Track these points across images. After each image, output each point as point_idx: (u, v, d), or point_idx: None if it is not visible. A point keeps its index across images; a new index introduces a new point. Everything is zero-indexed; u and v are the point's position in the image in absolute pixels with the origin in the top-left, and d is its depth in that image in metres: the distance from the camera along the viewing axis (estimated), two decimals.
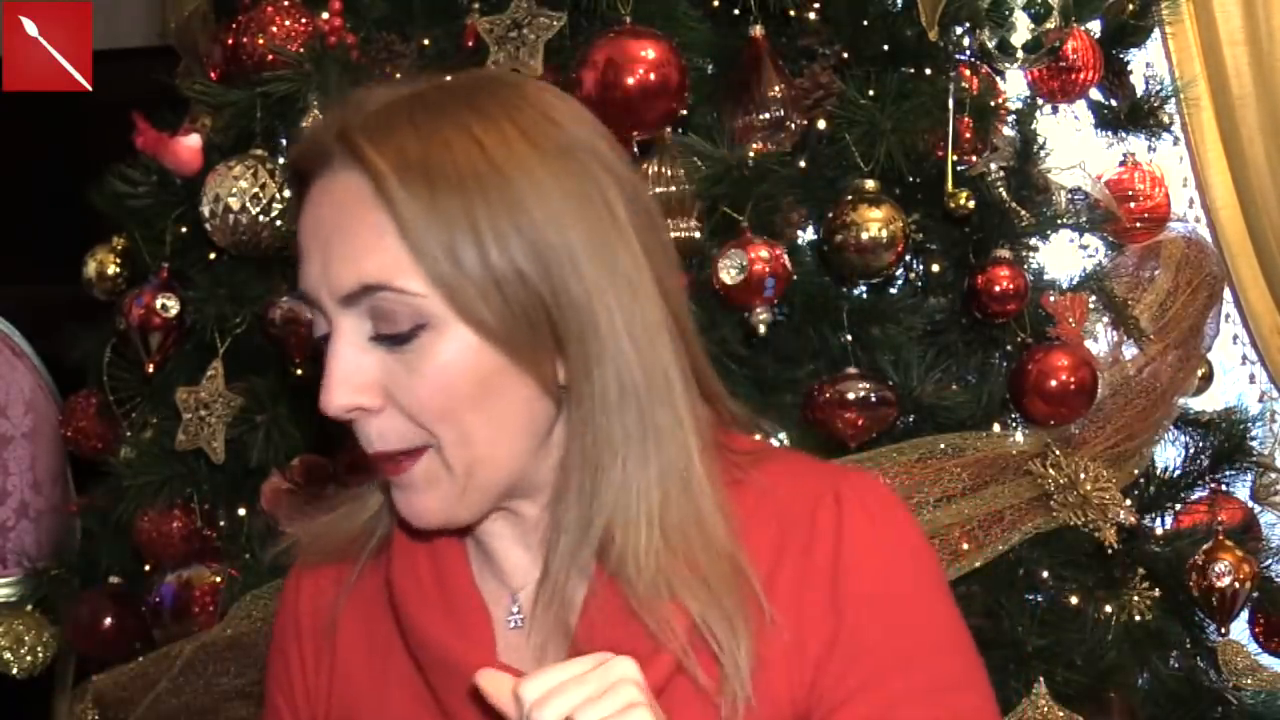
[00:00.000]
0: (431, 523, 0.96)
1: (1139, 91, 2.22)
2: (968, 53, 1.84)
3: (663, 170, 1.71)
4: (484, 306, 0.91)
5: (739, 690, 0.92)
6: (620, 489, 0.94)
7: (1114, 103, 2.19)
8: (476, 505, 0.96)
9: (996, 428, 1.79)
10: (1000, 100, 1.91)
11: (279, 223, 1.82)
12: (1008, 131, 1.92)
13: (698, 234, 1.73)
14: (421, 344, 0.91)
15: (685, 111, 1.73)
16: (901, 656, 0.94)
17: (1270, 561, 2.17)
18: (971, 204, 1.73)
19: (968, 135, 1.80)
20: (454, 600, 1.00)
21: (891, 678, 0.94)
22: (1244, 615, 2.14)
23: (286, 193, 1.82)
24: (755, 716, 0.92)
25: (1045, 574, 1.81)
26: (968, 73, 1.85)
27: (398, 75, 1.79)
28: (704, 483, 0.96)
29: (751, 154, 1.71)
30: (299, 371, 1.82)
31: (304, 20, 1.87)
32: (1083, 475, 1.75)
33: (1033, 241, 1.86)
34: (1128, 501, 1.82)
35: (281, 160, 1.85)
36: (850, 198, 1.73)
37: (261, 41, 1.85)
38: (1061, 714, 1.67)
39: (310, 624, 1.09)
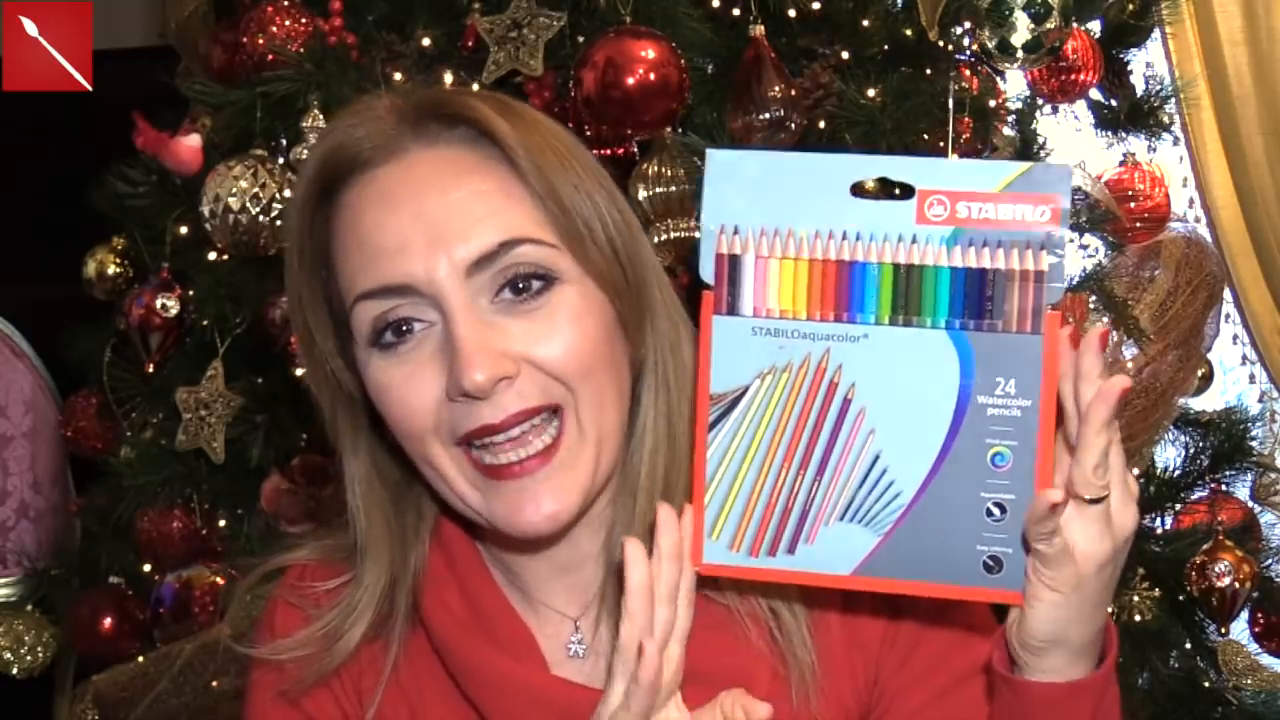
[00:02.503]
0: (557, 520, 0.91)
1: (1139, 91, 2.22)
2: (968, 53, 1.85)
3: (663, 170, 1.71)
4: (603, 261, 0.93)
5: (808, 675, 0.94)
6: (685, 460, 0.96)
7: (1114, 103, 2.20)
8: (596, 489, 0.94)
9: None
10: (1000, 100, 1.91)
11: (279, 223, 1.82)
12: (1008, 131, 1.92)
13: (698, 234, 1.73)
14: (554, 300, 0.91)
15: (685, 111, 1.73)
16: (957, 637, 0.96)
17: (1270, 561, 2.17)
18: None
19: (968, 135, 1.80)
20: (497, 629, 0.99)
21: (952, 657, 0.95)
22: (1244, 615, 2.15)
23: (287, 193, 1.82)
24: (823, 716, 0.93)
25: None
26: (968, 73, 1.86)
27: (397, 75, 1.79)
28: None
29: None
30: (299, 371, 1.82)
31: (304, 20, 1.87)
32: None
33: None
34: None
35: (281, 160, 1.85)
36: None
37: (261, 41, 1.85)
38: None
39: None
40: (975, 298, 0.79)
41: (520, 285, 0.91)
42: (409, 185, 0.91)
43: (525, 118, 0.95)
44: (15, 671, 2.16)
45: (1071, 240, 2.06)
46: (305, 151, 1.80)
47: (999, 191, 0.78)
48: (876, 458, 0.81)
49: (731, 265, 0.83)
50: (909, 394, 0.80)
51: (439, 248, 0.89)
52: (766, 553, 0.84)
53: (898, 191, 0.81)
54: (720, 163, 0.83)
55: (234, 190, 1.81)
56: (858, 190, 0.82)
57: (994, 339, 0.79)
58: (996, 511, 0.80)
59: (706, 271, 0.84)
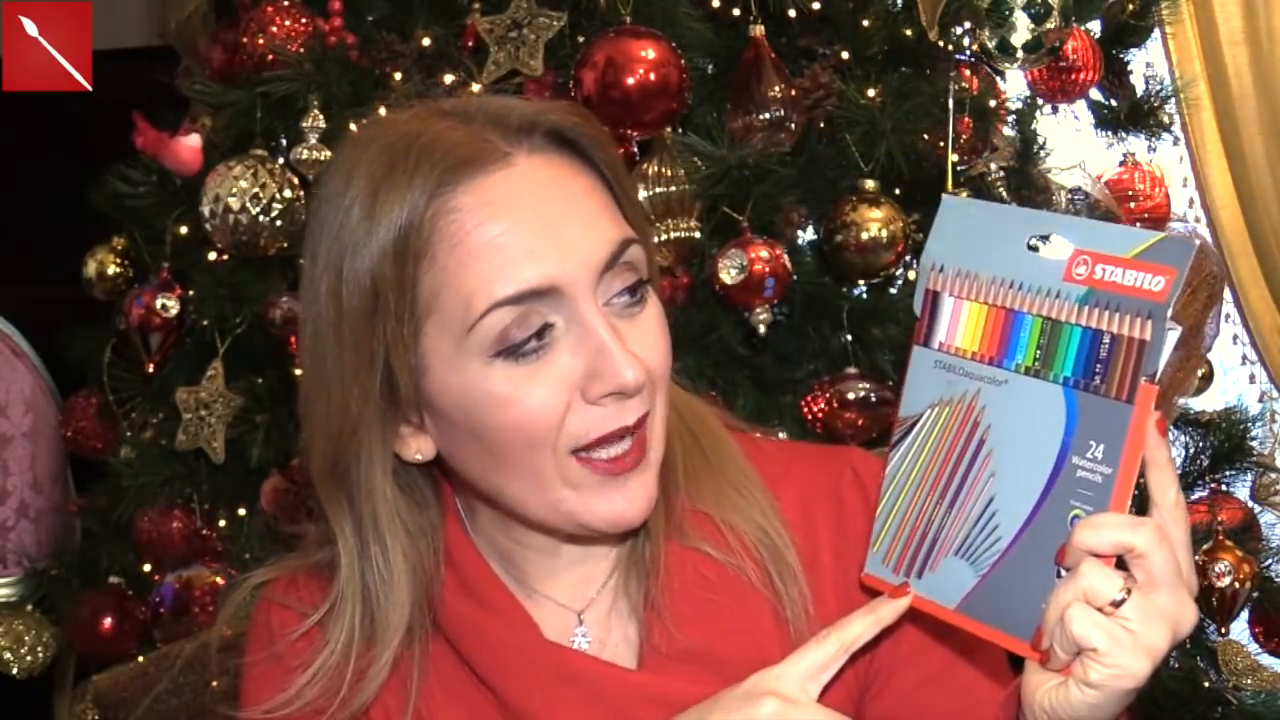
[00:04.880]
0: (646, 511, 0.94)
1: (1139, 91, 2.22)
2: (968, 53, 1.84)
3: (663, 170, 1.71)
4: (655, 269, 0.97)
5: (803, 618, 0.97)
6: (676, 439, 0.99)
7: (1114, 103, 2.19)
8: None
9: None
10: (1000, 100, 1.91)
11: (279, 223, 1.82)
12: (1008, 131, 1.92)
13: (698, 234, 1.73)
14: (648, 306, 0.95)
15: (685, 111, 1.73)
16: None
17: (1270, 561, 2.17)
18: None
19: (968, 135, 1.80)
20: (492, 604, 1.00)
21: (942, 639, 0.96)
22: (1244, 615, 2.15)
23: (287, 193, 1.82)
24: (826, 691, 0.93)
25: None
26: (968, 73, 1.86)
27: (397, 75, 1.79)
28: (731, 445, 1.03)
29: (751, 154, 1.71)
30: (299, 371, 1.82)
31: (304, 20, 1.87)
32: None
33: None
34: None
35: (281, 160, 1.85)
36: (850, 198, 1.73)
37: (261, 41, 1.85)
38: None
39: None
40: (1091, 359, 0.81)
41: (631, 290, 0.93)
42: (528, 189, 0.91)
43: (594, 120, 0.98)
44: (15, 671, 2.16)
45: None
46: (306, 151, 1.80)
47: (1129, 258, 0.80)
48: (991, 499, 0.84)
49: (934, 301, 0.89)
50: (1025, 443, 0.83)
51: (571, 249, 0.90)
52: (904, 573, 0.89)
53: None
54: (948, 206, 0.90)
55: (234, 190, 1.81)
56: (1032, 244, 0.85)
57: (1096, 401, 0.80)
58: (1064, 574, 0.80)
59: (916, 303, 0.90)
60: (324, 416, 0.95)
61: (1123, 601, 0.77)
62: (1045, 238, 0.83)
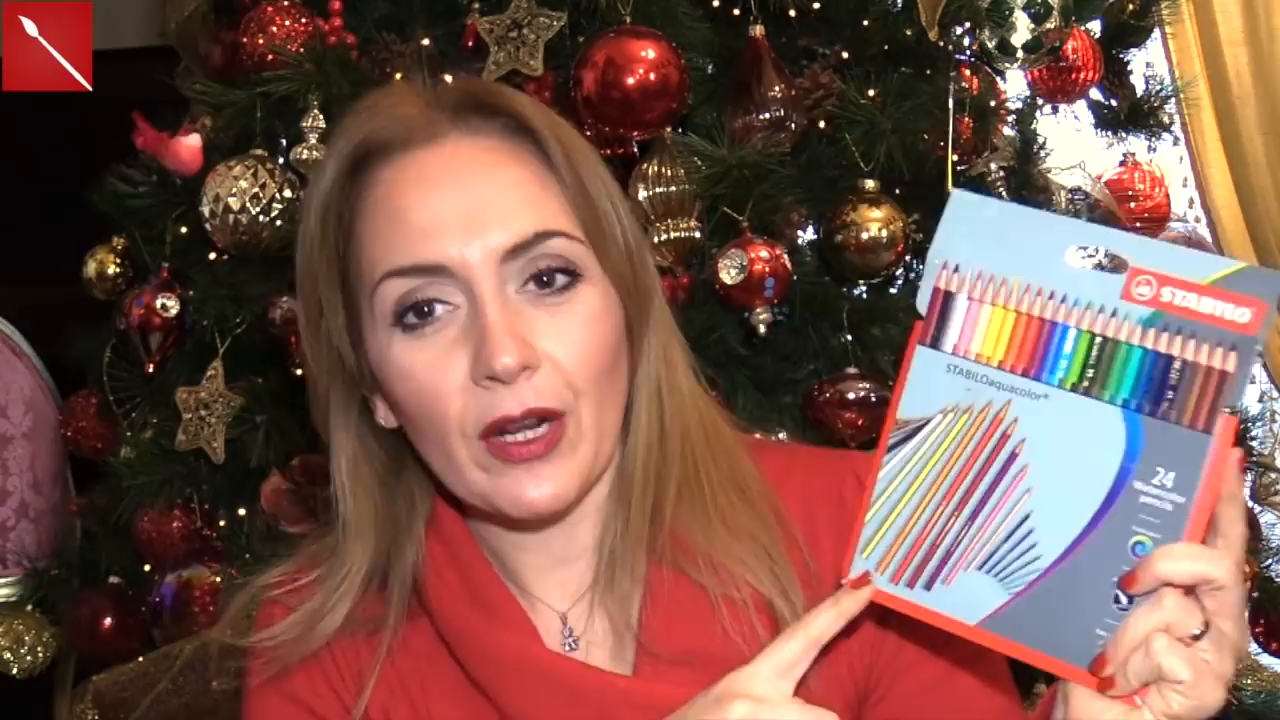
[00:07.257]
0: (558, 500, 0.93)
1: (1139, 91, 2.22)
2: (968, 53, 1.84)
3: (663, 170, 1.71)
4: (620, 262, 0.96)
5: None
6: (675, 463, 0.99)
7: (1114, 103, 2.20)
8: (593, 477, 0.96)
9: None
10: (1000, 100, 1.91)
11: (279, 223, 1.82)
12: (1008, 131, 1.93)
13: (698, 234, 1.73)
14: (577, 297, 0.93)
15: (685, 111, 1.73)
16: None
17: (1270, 561, 2.17)
18: None
19: (968, 135, 1.80)
20: (495, 607, 1.00)
21: (946, 644, 0.95)
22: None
23: (287, 192, 1.82)
24: (821, 698, 0.92)
25: None
26: (968, 73, 1.86)
27: (398, 75, 1.79)
28: (738, 451, 1.02)
29: (751, 154, 1.71)
30: (299, 371, 1.82)
31: (304, 20, 1.87)
32: None
33: None
34: None
35: (281, 160, 1.85)
36: (850, 198, 1.73)
37: (261, 41, 1.85)
38: None
39: None
40: (1159, 384, 0.78)
41: (545, 278, 0.92)
42: (449, 169, 0.93)
43: (554, 116, 0.98)
44: (15, 671, 2.16)
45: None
46: (306, 151, 1.80)
47: (1207, 285, 0.77)
48: (1026, 517, 0.82)
49: (945, 301, 0.85)
50: (1072, 463, 0.80)
51: (475, 232, 0.90)
52: (906, 583, 0.86)
53: (1106, 263, 0.82)
54: (961, 203, 0.85)
55: (234, 190, 1.81)
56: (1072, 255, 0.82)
57: (1165, 428, 0.78)
58: (1124, 599, 0.79)
59: (922, 302, 0.86)
60: (313, 363, 1.01)
61: (1202, 634, 0.76)
62: (1108, 255, 0.80)
